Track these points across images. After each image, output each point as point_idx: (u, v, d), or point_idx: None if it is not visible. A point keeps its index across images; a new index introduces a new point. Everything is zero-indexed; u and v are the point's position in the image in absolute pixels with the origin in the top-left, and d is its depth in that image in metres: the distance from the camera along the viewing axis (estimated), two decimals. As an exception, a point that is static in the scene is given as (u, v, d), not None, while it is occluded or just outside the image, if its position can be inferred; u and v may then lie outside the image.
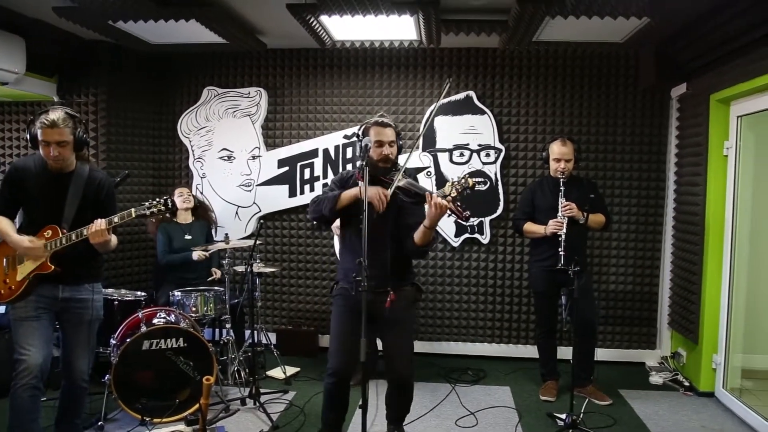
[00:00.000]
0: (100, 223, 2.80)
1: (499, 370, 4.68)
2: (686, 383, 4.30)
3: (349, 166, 4.94)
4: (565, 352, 4.33)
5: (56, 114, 2.78)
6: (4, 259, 2.90)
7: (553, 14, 3.48)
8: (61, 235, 2.84)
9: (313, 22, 3.81)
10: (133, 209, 2.90)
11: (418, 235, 2.81)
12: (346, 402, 3.10)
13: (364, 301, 2.42)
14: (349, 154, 4.97)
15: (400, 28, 4.04)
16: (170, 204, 2.93)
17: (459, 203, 2.65)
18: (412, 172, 4.19)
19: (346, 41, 4.41)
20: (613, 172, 4.79)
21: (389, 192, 2.78)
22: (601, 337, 4.84)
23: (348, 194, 2.87)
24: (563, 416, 3.56)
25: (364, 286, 2.38)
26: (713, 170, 4.08)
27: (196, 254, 4.34)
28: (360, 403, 2.50)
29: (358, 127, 3.05)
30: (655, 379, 4.44)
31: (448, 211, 2.67)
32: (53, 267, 2.84)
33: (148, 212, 2.90)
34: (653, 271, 4.80)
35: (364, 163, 2.63)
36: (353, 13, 3.57)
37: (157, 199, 2.93)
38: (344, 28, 4.08)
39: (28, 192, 2.91)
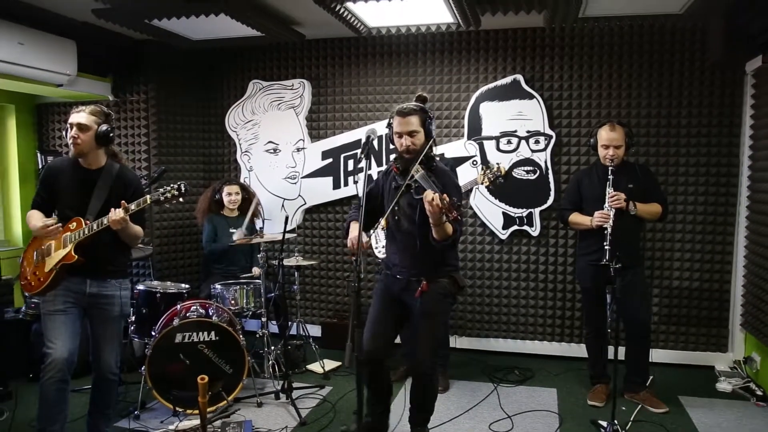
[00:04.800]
0: (118, 211, 2.87)
1: (549, 370, 4.41)
2: (759, 392, 3.85)
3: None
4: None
5: (89, 105, 2.96)
6: (35, 253, 3.03)
7: (592, -14, 3.17)
8: (84, 226, 2.94)
9: (340, 9, 3.71)
10: (148, 196, 2.96)
11: (433, 231, 2.69)
12: (382, 389, 3.13)
13: (355, 301, 2.31)
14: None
15: (433, 12, 3.84)
16: (183, 189, 2.97)
17: (454, 203, 2.46)
18: (451, 162, 4.05)
19: (382, 28, 4.26)
20: (677, 158, 4.35)
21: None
22: (664, 338, 4.45)
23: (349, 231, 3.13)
24: (605, 424, 3.29)
25: (356, 286, 2.26)
26: (792, 153, 3.60)
27: (236, 235, 4.37)
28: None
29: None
30: (723, 385, 4.01)
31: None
32: (77, 257, 2.92)
33: (162, 198, 2.96)
34: (724, 266, 4.33)
35: (362, 156, 2.53)
36: (377, -2, 3.43)
37: (171, 185, 2.98)
38: (377, 14, 3.94)
39: (60, 189, 3.03)
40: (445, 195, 2.45)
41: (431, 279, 2.87)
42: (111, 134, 3.02)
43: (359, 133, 4.92)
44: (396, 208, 2.89)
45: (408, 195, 2.80)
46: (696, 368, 4.40)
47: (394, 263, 3.02)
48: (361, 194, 2.57)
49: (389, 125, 2.92)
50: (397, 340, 4.14)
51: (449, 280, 2.93)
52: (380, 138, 4.86)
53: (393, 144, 2.93)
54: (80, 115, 2.91)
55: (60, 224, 2.93)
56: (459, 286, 2.96)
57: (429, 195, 2.47)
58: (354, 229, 2.96)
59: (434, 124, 2.90)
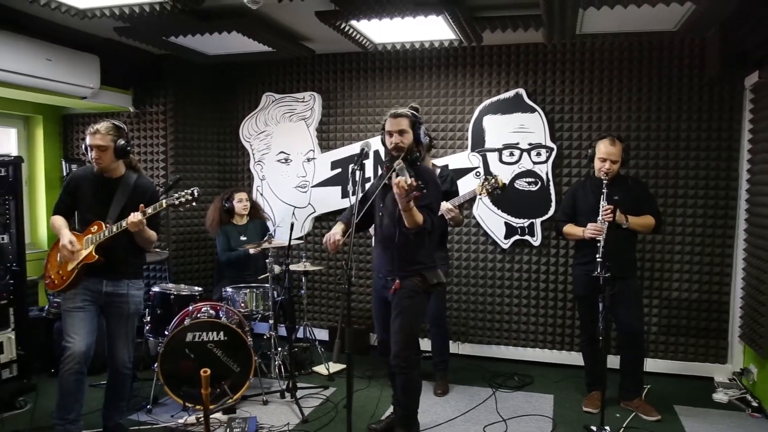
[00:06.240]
0: (136, 214, 3.09)
1: (548, 377, 4.51)
2: (755, 403, 3.89)
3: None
4: (613, 362, 4.07)
5: (101, 124, 3.18)
6: (59, 254, 3.26)
7: (584, 5, 3.30)
8: (104, 229, 3.16)
9: (345, 27, 3.89)
10: (164, 200, 3.18)
11: (403, 218, 2.92)
12: (395, 382, 3.35)
13: (345, 303, 2.47)
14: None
15: (436, 29, 3.99)
16: (196, 194, 3.20)
17: (419, 186, 2.69)
18: (451, 174, 4.19)
19: (387, 44, 4.43)
20: (676, 170, 4.44)
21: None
22: (663, 348, 4.52)
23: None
24: (596, 429, 3.38)
25: (347, 289, 2.43)
26: (785, 167, 3.67)
27: (252, 249, 4.57)
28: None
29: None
30: (720, 396, 4.06)
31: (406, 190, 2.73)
32: (97, 257, 3.14)
33: (176, 202, 3.19)
34: (723, 278, 4.39)
35: (356, 167, 2.73)
36: (380, 17, 3.61)
37: (186, 191, 3.20)
38: (381, 31, 4.11)
39: (81, 195, 3.28)
40: (412, 179, 2.67)
41: (403, 277, 3.10)
42: (128, 147, 3.25)
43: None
44: (381, 205, 3.15)
45: (392, 193, 2.99)
46: (695, 379, 4.45)
47: (378, 263, 3.29)
48: (354, 202, 2.74)
49: (383, 128, 3.22)
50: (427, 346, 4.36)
51: (420, 278, 3.13)
52: (376, 152, 5.02)
53: (384, 145, 3.21)
54: (97, 138, 3.13)
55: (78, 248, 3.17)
56: (429, 283, 3.14)
57: (397, 177, 2.73)
58: (335, 228, 3.21)
59: (422, 129, 3.17)
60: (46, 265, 3.35)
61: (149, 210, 3.12)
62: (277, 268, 4.63)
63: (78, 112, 5.40)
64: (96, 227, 3.19)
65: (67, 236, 3.16)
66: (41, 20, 3.99)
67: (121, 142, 3.21)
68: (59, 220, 3.27)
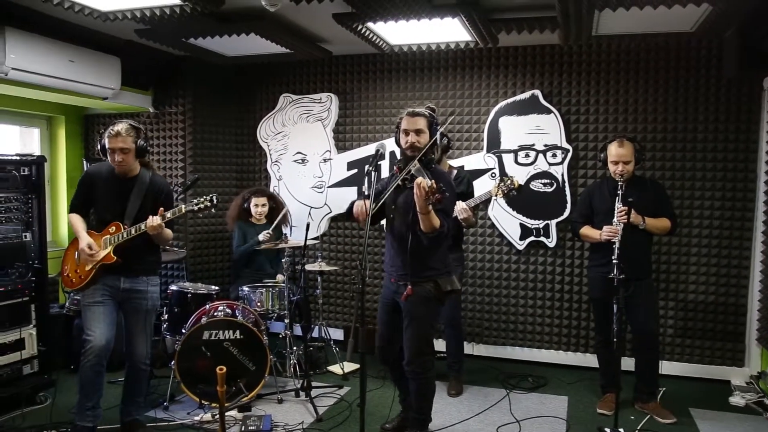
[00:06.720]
0: (155, 218, 3.16)
1: (562, 379, 4.50)
2: (772, 407, 3.87)
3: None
4: (628, 364, 4.05)
5: (120, 125, 3.22)
6: (76, 253, 3.33)
7: (600, 7, 3.30)
8: (122, 230, 3.22)
9: (362, 29, 3.92)
10: (183, 206, 3.25)
11: (420, 221, 2.85)
12: (406, 384, 3.27)
13: (359, 303, 2.49)
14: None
15: (452, 30, 4.01)
16: (215, 201, 3.25)
17: (440, 188, 2.64)
18: (467, 176, 4.20)
19: (404, 45, 4.46)
20: (693, 172, 4.41)
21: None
22: (679, 351, 4.50)
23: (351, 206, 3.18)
24: (609, 431, 3.38)
25: (358, 288, 2.45)
26: (804, 169, 3.64)
27: (262, 235, 4.60)
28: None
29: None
30: (737, 400, 4.03)
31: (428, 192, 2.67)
32: (116, 258, 3.21)
33: (196, 208, 3.25)
34: (741, 280, 4.35)
35: (371, 168, 2.73)
36: (396, 19, 3.64)
37: (205, 197, 3.26)
38: (397, 32, 4.12)
39: (97, 193, 3.35)
40: (433, 181, 2.63)
41: (416, 283, 3.01)
42: (148, 147, 3.31)
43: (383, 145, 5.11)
44: (393, 206, 3.08)
45: (406, 194, 2.98)
46: (712, 382, 4.41)
47: (388, 266, 3.21)
48: (369, 202, 2.76)
49: (398, 126, 3.15)
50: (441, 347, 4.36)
51: (433, 284, 3.05)
52: (392, 153, 5.04)
53: (399, 145, 3.14)
54: (119, 141, 3.17)
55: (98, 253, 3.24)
56: (442, 290, 3.06)
57: (419, 179, 2.67)
58: (358, 201, 3.11)
59: (439, 131, 3.10)
60: (63, 263, 3.42)
61: (168, 214, 3.18)
62: (280, 277, 4.62)
63: (99, 112, 5.50)
64: (114, 228, 3.25)
65: (85, 240, 3.22)
66: (64, 22, 4.07)
67: (141, 142, 3.27)
68: (77, 220, 3.34)
